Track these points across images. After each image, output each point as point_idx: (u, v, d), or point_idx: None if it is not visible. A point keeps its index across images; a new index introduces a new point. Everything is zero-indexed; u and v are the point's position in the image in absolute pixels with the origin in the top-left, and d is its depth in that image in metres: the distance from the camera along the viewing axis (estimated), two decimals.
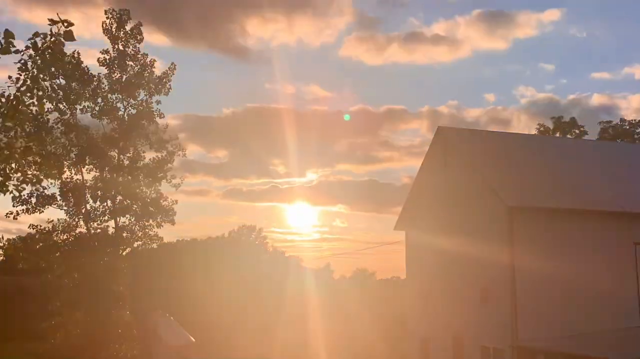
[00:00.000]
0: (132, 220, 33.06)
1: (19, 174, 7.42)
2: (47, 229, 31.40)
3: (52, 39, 6.70)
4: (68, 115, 31.28)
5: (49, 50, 6.70)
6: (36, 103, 7.09)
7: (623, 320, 25.23)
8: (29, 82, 6.79)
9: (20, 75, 6.84)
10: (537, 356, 22.87)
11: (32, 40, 6.69)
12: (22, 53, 6.74)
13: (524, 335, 23.98)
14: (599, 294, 25.32)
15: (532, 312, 24.34)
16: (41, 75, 6.83)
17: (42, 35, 6.67)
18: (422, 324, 31.45)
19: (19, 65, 6.78)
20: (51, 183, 30.60)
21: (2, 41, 6.63)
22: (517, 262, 24.64)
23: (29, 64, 6.77)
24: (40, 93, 7.00)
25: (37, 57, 6.69)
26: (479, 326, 26.47)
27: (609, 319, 24.98)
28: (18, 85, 6.91)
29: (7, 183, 7.33)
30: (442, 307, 29.46)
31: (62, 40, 6.72)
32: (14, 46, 6.66)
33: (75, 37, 6.75)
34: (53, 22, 6.65)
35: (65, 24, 6.70)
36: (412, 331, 32.54)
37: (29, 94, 6.94)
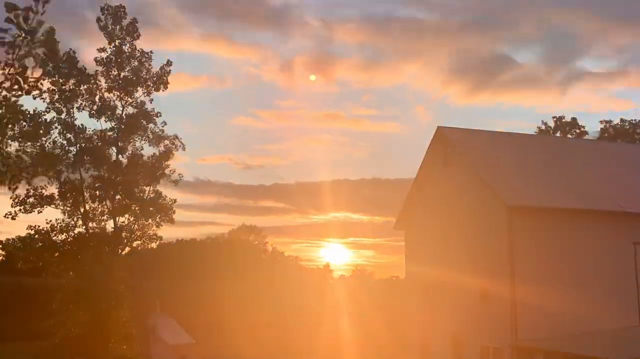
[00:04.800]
0: (131, 220, 32.91)
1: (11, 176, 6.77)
2: (45, 229, 31.28)
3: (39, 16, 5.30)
4: (65, 114, 31.12)
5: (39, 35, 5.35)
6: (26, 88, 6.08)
7: (623, 320, 25.16)
8: (16, 64, 5.50)
9: (9, 56, 5.49)
10: (536, 355, 22.81)
11: (12, 14, 5.21)
12: (4, 31, 5.32)
13: (523, 335, 23.92)
14: (599, 294, 25.26)
15: (532, 312, 24.27)
16: (32, 64, 5.51)
17: (22, 11, 5.16)
18: (421, 323, 31.39)
19: (5, 48, 5.39)
20: (49, 182, 30.52)
21: None
22: (517, 262, 24.59)
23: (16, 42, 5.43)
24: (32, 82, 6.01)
25: (23, 36, 5.33)
26: (479, 325, 26.40)
27: (608, 319, 24.89)
28: (6, 71, 5.67)
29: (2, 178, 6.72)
30: (441, 306, 29.39)
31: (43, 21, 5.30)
32: None
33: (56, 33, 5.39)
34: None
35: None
36: (411, 330, 32.46)
37: (16, 87, 5.73)
